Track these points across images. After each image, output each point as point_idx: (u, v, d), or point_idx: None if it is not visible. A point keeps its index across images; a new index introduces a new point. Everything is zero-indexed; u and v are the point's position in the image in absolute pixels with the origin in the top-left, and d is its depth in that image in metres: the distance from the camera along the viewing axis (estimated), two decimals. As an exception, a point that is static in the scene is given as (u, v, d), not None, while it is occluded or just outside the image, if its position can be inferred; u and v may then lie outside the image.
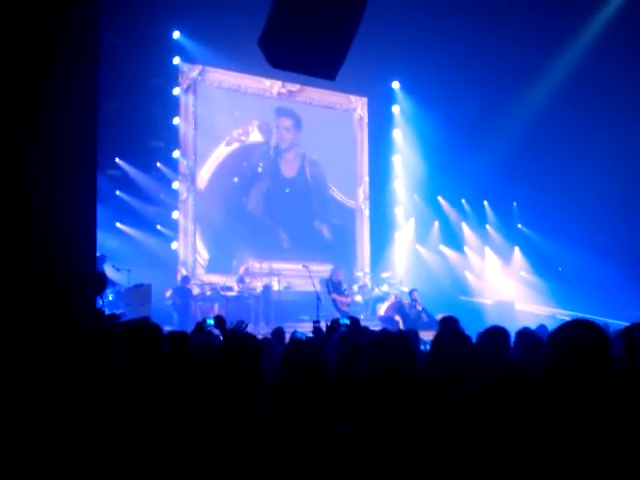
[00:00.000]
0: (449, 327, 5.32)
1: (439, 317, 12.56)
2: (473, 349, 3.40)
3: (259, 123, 16.43)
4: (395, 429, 2.10)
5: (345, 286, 14.33)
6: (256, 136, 16.44)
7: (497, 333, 4.11)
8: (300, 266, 14.20)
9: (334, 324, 4.68)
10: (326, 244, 16.81)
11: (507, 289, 16.98)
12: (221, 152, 15.85)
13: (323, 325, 5.33)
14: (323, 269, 14.88)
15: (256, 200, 16.01)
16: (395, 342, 2.31)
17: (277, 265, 15.11)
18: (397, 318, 13.74)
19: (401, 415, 2.12)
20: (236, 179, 15.82)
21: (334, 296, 13.18)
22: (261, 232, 15.69)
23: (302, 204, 16.73)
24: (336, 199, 17.56)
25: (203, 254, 15.33)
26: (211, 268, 15.25)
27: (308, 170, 17.00)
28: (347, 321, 4.72)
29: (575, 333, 2.30)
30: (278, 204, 16.27)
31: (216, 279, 14.79)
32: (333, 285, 13.40)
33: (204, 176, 15.54)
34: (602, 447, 2.05)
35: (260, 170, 16.16)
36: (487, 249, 17.84)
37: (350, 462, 2.08)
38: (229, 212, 15.52)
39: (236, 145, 16.11)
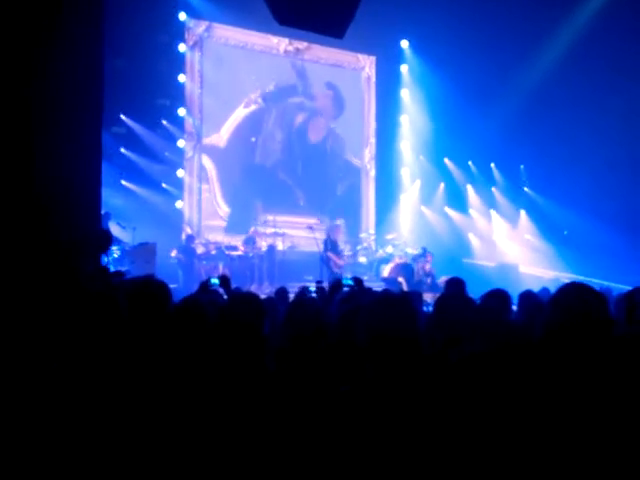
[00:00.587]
0: (455, 289, 5.33)
1: (444, 279, 12.68)
2: (476, 311, 3.41)
3: (268, 91, 16.33)
4: (394, 390, 2.12)
5: (342, 247, 14.30)
6: (265, 101, 16.34)
7: (499, 295, 4.12)
8: (305, 227, 14.26)
9: (337, 284, 4.69)
10: (338, 202, 17.00)
11: (512, 252, 16.99)
12: (239, 114, 15.91)
13: (326, 285, 5.36)
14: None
15: (274, 158, 16.22)
16: (396, 302, 2.30)
17: (289, 218, 15.43)
18: (400, 279, 13.79)
19: (400, 376, 2.14)
20: (254, 139, 15.96)
21: (330, 254, 13.13)
22: (277, 188, 15.97)
23: (319, 166, 16.86)
24: (347, 161, 17.54)
25: (224, 208, 15.46)
26: (230, 228, 15.35)
27: (330, 141, 17.18)
28: (350, 281, 4.73)
29: (573, 296, 2.31)
30: (296, 163, 16.52)
31: (231, 240, 14.81)
32: (332, 243, 13.35)
33: (224, 135, 15.63)
34: (600, 408, 2.07)
35: (279, 131, 16.37)
36: (493, 212, 17.80)
37: (349, 421, 2.11)
38: (247, 170, 15.75)
39: (254, 107, 16.13)
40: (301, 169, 16.60)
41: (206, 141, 15.51)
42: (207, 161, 15.45)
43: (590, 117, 14.95)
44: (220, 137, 15.67)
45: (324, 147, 17.20)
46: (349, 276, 5.11)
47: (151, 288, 3.23)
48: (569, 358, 2.18)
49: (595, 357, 2.17)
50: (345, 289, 4.64)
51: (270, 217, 15.05)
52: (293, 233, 15.41)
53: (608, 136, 14.78)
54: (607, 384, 2.11)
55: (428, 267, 14.15)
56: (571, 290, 2.37)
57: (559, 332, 2.23)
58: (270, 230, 14.84)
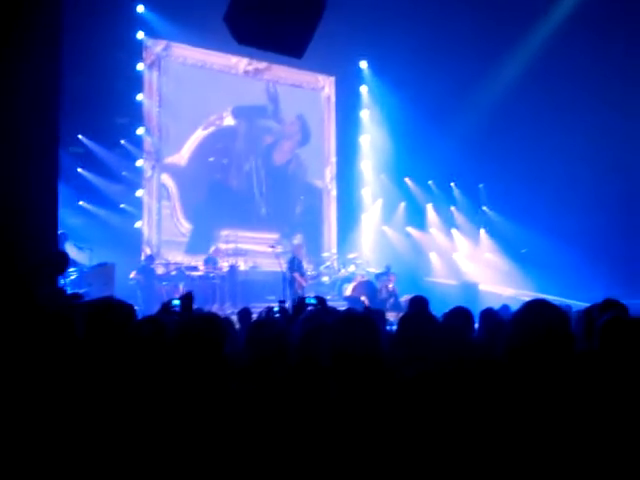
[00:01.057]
0: (418, 308, 5.33)
1: (405, 298, 12.74)
2: (439, 330, 3.41)
3: (232, 108, 16.38)
4: (356, 409, 2.09)
5: (306, 266, 14.29)
6: (230, 121, 16.42)
7: (461, 314, 4.14)
8: (268, 245, 14.22)
9: (301, 303, 4.65)
10: (297, 221, 17.11)
11: (472, 270, 17.16)
12: (199, 135, 15.89)
13: (289, 305, 5.32)
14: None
15: (238, 176, 16.32)
16: (359, 321, 2.29)
17: (249, 234, 15.53)
18: (363, 298, 13.81)
19: (363, 395, 2.11)
20: (212, 159, 15.94)
21: (295, 275, 13.08)
22: (239, 205, 16.00)
23: (280, 187, 16.94)
24: (308, 183, 17.69)
25: (185, 225, 15.38)
26: (191, 248, 15.27)
27: (293, 164, 17.37)
28: (314, 300, 4.70)
29: (535, 313, 2.32)
30: (259, 182, 16.60)
31: (192, 260, 14.73)
32: (297, 264, 13.31)
33: (184, 154, 15.61)
34: (563, 426, 2.07)
35: (239, 151, 16.46)
36: (454, 231, 17.99)
37: (311, 440, 2.07)
38: (209, 188, 15.79)
39: (212, 129, 16.12)
40: (264, 188, 16.63)
41: (167, 160, 15.41)
42: (168, 179, 15.36)
43: (550, 134, 15.27)
44: (181, 156, 15.62)
45: (286, 169, 17.28)
46: (312, 295, 5.08)
47: (115, 309, 3.15)
48: (533, 374, 2.19)
49: (558, 373, 2.17)
50: (309, 308, 4.61)
51: (231, 232, 15.09)
52: (254, 248, 15.43)
53: (568, 153, 15.10)
54: (570, 400, 2.12)
55: (391, 286, 14.20)
56: (534, 307, 2.38)
57: (522, 348, 2.24)
58: (231, 247, 14.79)
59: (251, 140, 16.66)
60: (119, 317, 3.10)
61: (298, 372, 3.01)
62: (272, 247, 13.40)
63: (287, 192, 17.09)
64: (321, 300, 4.68)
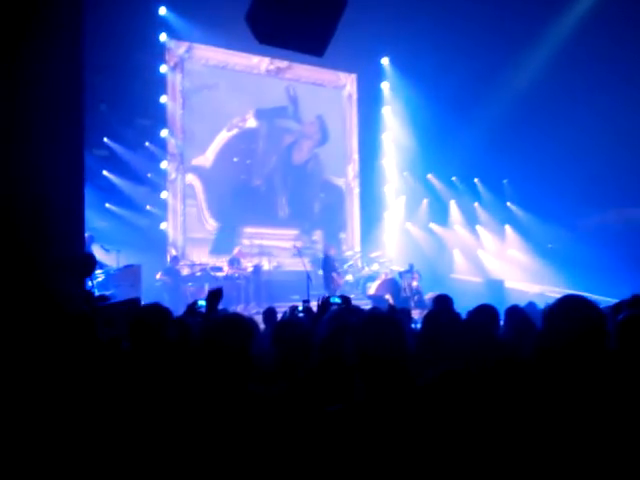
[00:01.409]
0: (443, 306, 5.31)
1: (429, 296, 12.67)
2: (464, 328, 3.39)
3: (254, 111, 16.51)
4: (384, 411, 2.08)
5: (337, 264, 14.35)
6: (252, 123, 16.53)
7: (486, 311, 4.11)
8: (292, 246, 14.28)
9: (325, 303, 4.64)
10: (316, 218, 17.23)
11: (497, 267, 17.03)
12: (223, 136, 16.04)
13: (314, 305, 5.32)
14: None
15: (260, 174, 16.47)
16: (384, 322, 2.28)
17: (271, 230, 15.84)
18: (387, 297, 13.76)
19: (388, 397, 2.11)
20: (236, 159, 16.11)
21: (333, 275, 13.21)
22: (260, 203, 16.20)
23: (300, 184, 17.03)
24: (327, 180, 17.70)
25: (211, 222, 15.56)
26: (215, 249, 15.46)
27: (312, 163, 17.42)
28: (338, 300, 4.68)
29: (571, 308, 2.28)
30: (280, 181, 16.72)
31: (216, 261, 14.85)
32: (332, 263, 13.43)
33: (209, 156, 15.78)
34: (598, 425, 2.04)
35: (261, 151, 16.61)
36: (478, 227, 17.87)
37: (337, 442, 2.07)
38: (233, 187, 15.92)
39: (236, 130, 16.26)
40: (284, 186, 16.73)
41: (193, 162, 15.58)
42: (194, 179, 15.55)
43: (576, 127, 15.01)
44: (206, 158, 15.79)
45: (305, 168, 17.34)
46: (337, 294, 5.06)
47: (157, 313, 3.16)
48: (566, 373, 2.15)
49: (592, 372, 2.14)
50: (333, 307, 4.59)
51: (254, 230, 15.39)
52: (276, 244, 15.70)
53: (594, 146, 14.87)
54: (599, 400, 2.08)
55: (415, 284, 14.14)
56: (569, 302, 2.34)
57: (556, 345, 2.20)
58: (255, 244, 14.97)
59: (272, 140, 16.77)
60: (159, 321, 3.11)
61: (322, 372, 3.01)
62: (295, 247, 13.43)
63: (306, 190, 17.18)
64: (346, 299, 4.66)
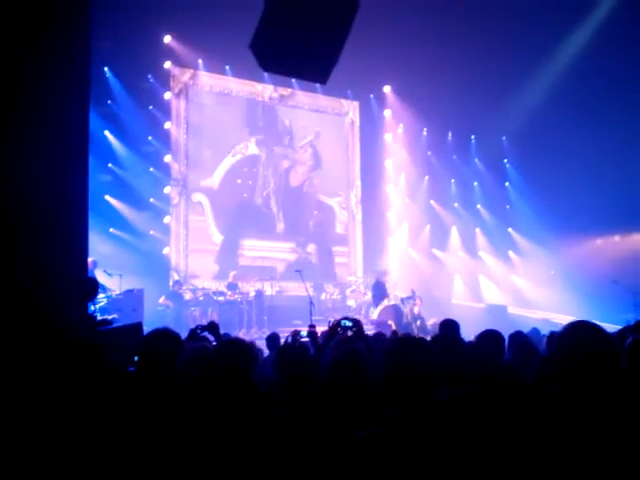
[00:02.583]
0: (449, 331, 5.30)
1: (433, 321, 12.63)
2: (467, 353, 3.38)
3: (256, 140, 16.87)
4: (414, 433, 2.08)
5: (332, 290, 14.48)
6: (253, 149, 16.89)
7: (491, 337, 4.10)
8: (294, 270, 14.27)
9: (336, 326, 4.60)
10: (312, 234, 17.59)
11: (499, 293, 17.01)
12: (228, 161, 16.50)
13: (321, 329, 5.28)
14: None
15: (260, 197, 16.96)
16: (414, 344, 2.31)
17: (270, 243, 16.54)
18: (390, 322, 13.71)
19: (418, 418, 2.10)
20: (239, 181, 16.66)
21: (385, 300, 13.31)
22: (261, 219, 16.80)
23: (295, 204, 17.42)
24: (320, 201, 17.90)
25: (217, 236, 16.09)
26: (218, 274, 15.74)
27: (307, 185, 17.77)
28: (349, 323, 4.61)
29: (582, 334, 2.29)
30: (277, 200, 17.17)
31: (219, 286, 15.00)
32: (382, 288, 13.54)
33: (216, 179, 16.29)
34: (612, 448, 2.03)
35: (261, 175, 17.07)
36: (481, 253, 17.88)
37: (371, 468, 2.06)
38: (236, 205, 16.46)
39: (239, 156, 16.69)
40: (282, 205, 17.13)
41: (202, 183, 15.95)
42: (203, 198, 15.98)
43: (585, 148, 15.02)
44: (213, 180, 16.21)
45: (301, 189, 17.65)
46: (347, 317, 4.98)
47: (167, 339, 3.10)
48: (577, 398, 2.15)
49: (609, 393, 2.14)
50: (344, 329, 4.55)
51: (253, 242, 16.19)
52: (272, 255, 16.40)
53: (597, 173, 14.88)
54: (617, 423, 2.08)
55: (417, 310, 14.09)
56: (581, 328, 2.35)
57: (567, 371, 2.20)
58: (251, 270, 15.29)
59: (271, 165, 17.15)
60: (171, 346, 3.06)
61: (329, 396, 3.00)
62: (298, 271, 13.41)
63: (301, 209, 17.49)
64: (357, 322, 4.57)
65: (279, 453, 2.38)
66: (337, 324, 4.52)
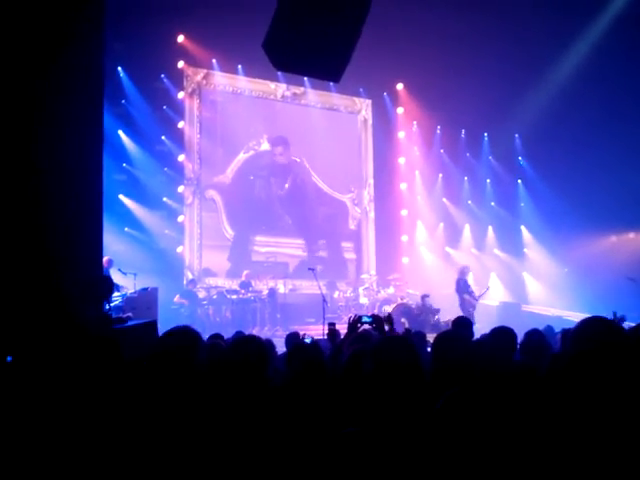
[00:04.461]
0: (462, 328, 5.33)
1: (447, 320, 12.63)
2: (476, 350, 3.38)
3: (268, 136, 16.92)
4: (394, 433, 2.09)
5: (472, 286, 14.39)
6: (266, 146, 16.95)
7: (504, 333, 4.11)
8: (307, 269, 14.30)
9: (356, 322, 4.61)
10: (321, 230, 17.62)
11: (513, 290, 16.96)
12: (241, 158, 16.54)
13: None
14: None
15: (270, 193, 17.02)
16: (398, 344, 2.31)
17: (280, 240, 16.59)
18: (403, 320, 13.71)
19: (402, 418, 2.12)
20: (252, 177, 16.71)
21: (465, 296, 13.32)
22: (270, 215, 16.85)
23: (305, 201, 17.43)
24: (327, 194, 17.92)
25: (229, 231, 16.18)
26: (230, 273, 15.83)
27: (319, 182, 17.77)
28: (370, 319, 4.61)
29: (598, 330, 2.30)
30: (284, 197, 17.24)
31: (232, 284, 15.08)
32: (464, 284, 13.54)
33: (229, 175, 16.37)
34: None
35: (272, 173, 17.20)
36: (496, 251, 17.83)
37: (352, 464, 2.08)
38: (247, 201, 16.47)
39: (252, 152, 16.71)
40: (293, 201, 17.18)
41: (214, 180, 16.05)
42: (215, 194, 16.06)
43: (598, 146, 14.94)
44: (226, 176, 16.28)
45: (314, 187, 17.64)
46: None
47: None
48: (599, 389, 2.15)
49: (624, 388, 2.15)
50: (365, 326, 4.56)
51: (264, 238, 16.30)
52: (283, 251, 16.50)
53: (611, 170, 14.80)
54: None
55: (428, 307, 14.09)
56: (595, 323, 2.36)
57: (586, 364, 2.21)
58: (263, 267, 15.49)
59: (283, 162, 17.13)
60: (191, 345, 3.05)
61: (340, 394, 3.02)
62: (311, 269, 13.43)
63: (313, 206, 17.50)
64: (377, 319, 4.56)
65: (280, 446, 2.40)
66: (357, 320, 4.52)
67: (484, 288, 14.04)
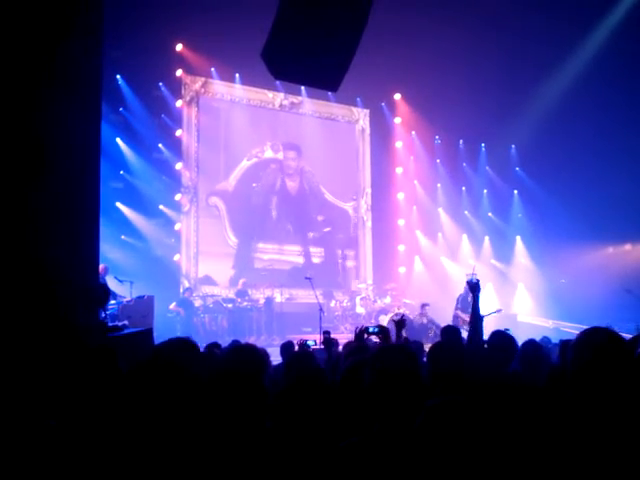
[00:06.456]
0: (451, 336, 5.35)
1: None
2: (469, 359, 3.37)
3: (271, 144, 17.01)
4: (393, 444, 2.08)
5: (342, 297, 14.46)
6: (269, 153, 17.07)
7: (502, 337, 4.12)
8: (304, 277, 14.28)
9: (362, 332, 4.59)
10: (319, 237, 17.61)
11: (510, 301, 16.94)
12: (243, 165, 16.62)
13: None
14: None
15: (272, 201, 17.07)
16: (398, 352, 2.29)
17: (280, 246, 16.71)
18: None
19: (400, 429, 2.10)
20: (255, 184, 16.75)
21: (457, 312, 13.15)
22: (270, 222, 16.90)
23: (301, 206, 17.49)
24: (326, 200, 17.94)
25: (232, 239, 16.23)
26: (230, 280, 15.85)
27: (314, 189, 17.77)
28: (376, 329, 4.58)
29: (598, 341, 2.29)
30: (283, 204, 17.25)
31: (228, 293, 15.08)
32: (462, 300, 13.30)
33: (232, 182, 16.44)
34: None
35: (274, 180, 17.26)
36: (493, 261, 17.83)
37: (350, 476, 2.06)
38: (250, 209, 16.54)
39: (255, 160, 16.79)
40: (292, 209, 17.20)
41: (217, 187, 16.11)
42: (218, 201, 16.12)
43: (595, 157, 14.95)
44: (228, 183, 16.35)
45: (313, 195, 17.65)
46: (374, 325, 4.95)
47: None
48: (601, 400, 2.15)
49: (627, 398, 2.14)
50: (372, 336, 4.54)
51: (265, 245, 16.35)
52: (282, 258, 16.50)
53: (610, 181, 14.81)
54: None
55: (428, 317, 14.08)
56: (595, 334, 2.36)
57: (588, 375, 2.20)
58: (260, 274, 15.44)
59: (281, 169, 17.20)
60: (189, 357, 3.02)
61: (338, 405, 3.00)
62: (308, 278, 13.41)
63: (312, 214, 17.54)
64: (383, 329, 4.53)
65: (282, 461, 2.38)
66: (364, 330, 4.51)
67: (494, 308, 13.88)
